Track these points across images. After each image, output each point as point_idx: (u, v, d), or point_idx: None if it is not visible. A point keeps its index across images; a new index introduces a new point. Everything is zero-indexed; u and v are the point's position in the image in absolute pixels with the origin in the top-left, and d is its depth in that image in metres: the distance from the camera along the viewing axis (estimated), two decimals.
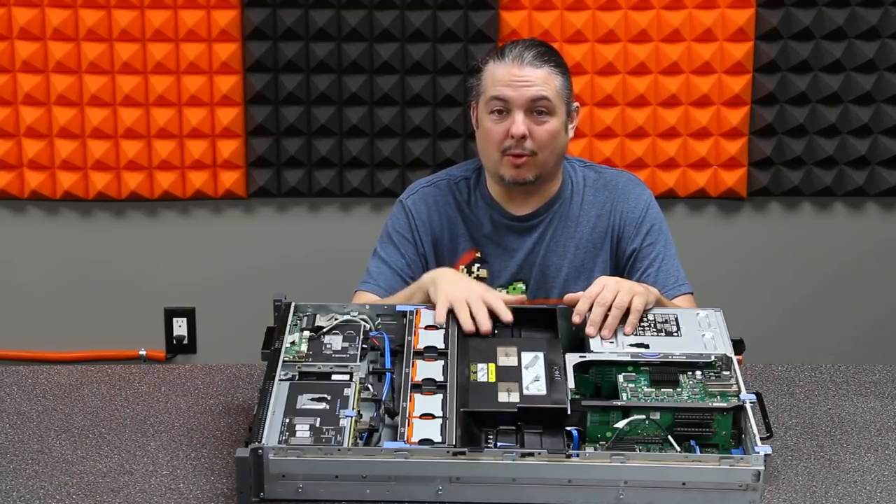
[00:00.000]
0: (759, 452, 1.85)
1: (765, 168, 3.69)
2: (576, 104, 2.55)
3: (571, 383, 2.01)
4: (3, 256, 3.71)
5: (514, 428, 1.94)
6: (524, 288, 2.55)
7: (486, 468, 1.85)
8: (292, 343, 2.13)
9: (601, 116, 3.62)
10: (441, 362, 2.06)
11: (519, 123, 2.44)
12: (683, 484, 1.85)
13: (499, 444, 1.92)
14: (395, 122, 3.61)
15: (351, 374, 2.05)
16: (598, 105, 3.61)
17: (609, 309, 2.15)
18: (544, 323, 2.21)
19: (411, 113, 3.61)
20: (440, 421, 1.92)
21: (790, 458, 2.05)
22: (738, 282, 3.76)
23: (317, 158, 3.64)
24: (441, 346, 2.11)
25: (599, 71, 3.59)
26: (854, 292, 3.81)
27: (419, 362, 2.06)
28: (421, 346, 2.11)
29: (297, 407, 1.96)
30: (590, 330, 2.14)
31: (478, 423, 1.95)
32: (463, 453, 1.85)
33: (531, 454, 1.86)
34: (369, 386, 2.08)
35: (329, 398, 1.97)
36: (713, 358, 2.07)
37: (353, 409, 1.96)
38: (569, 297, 2.21)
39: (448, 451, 1.85)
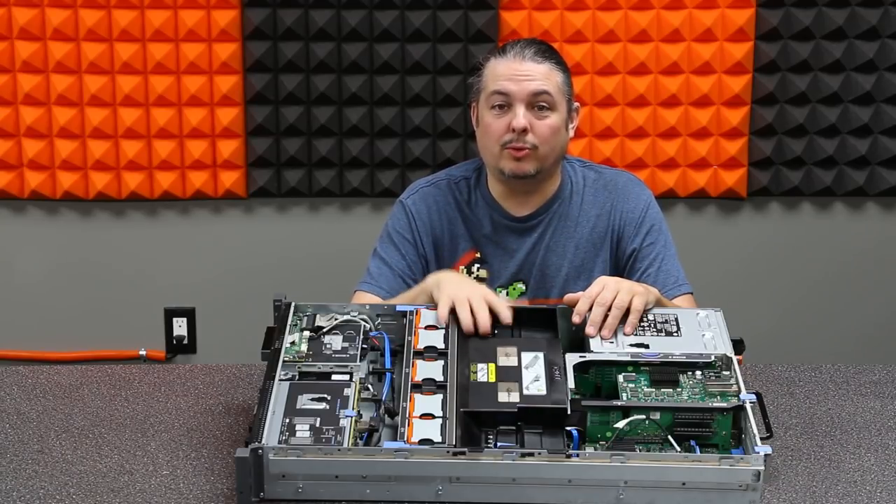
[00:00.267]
0: (759, 452, 1.85)
1: (765, 168, 3.69)
2: (576, 104, 2.55)
3: (571, 383, 2.01)
4: (3, 256, 3.71)
5: (514, 428, 1.94)
6: (524, 288, 2.55)
7: (486, 468, 1.85)
8: (292, 343, 2.13)
9: (601, 116, 3.62)
10: (441, 362, 2.06)
11: (520, 117, 2.44)
12: (683, 484, 1.85)
13: (499, 444, 1.92)
14: (395, 122, 3.61)
15: (351, 374, 2.05)
16: (598, 105, 3.61)
17: (609, 309, 2.15)
18: (544, 323, 2.21)
19: (411, 113, 3.61)
20: (440, 421, 1.92)
21: (790, 458, 2.05)
22: (738, 282, 3.76)
23: (317, 158, 3.64)
24: (441, 346, 2.11)
25: (599, 71, 3.59)
26: (854, 292, 3.81)
27: (419, 362, 2.06)
28: (421, 346, 2.11)
29: (297, 407, 1.96)
30: (590, 330, 2.14)
31: (478, 423, 1.95)
32: (463, 453, 1.85)
33: (531, 454, 1.85)
34: (369, 386, 2.08)
35: (329, 398, 1.97)
36: (713, 358, 2.06)
37: (353, 409, 1.96)
38: (569, 297, 2.21)
39: (448, 451, 1.85)
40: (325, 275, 3.60)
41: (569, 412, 1.94)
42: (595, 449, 1.93)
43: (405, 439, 1.88)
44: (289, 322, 2.18)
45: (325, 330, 2.17)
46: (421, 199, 2.59)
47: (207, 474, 1.99)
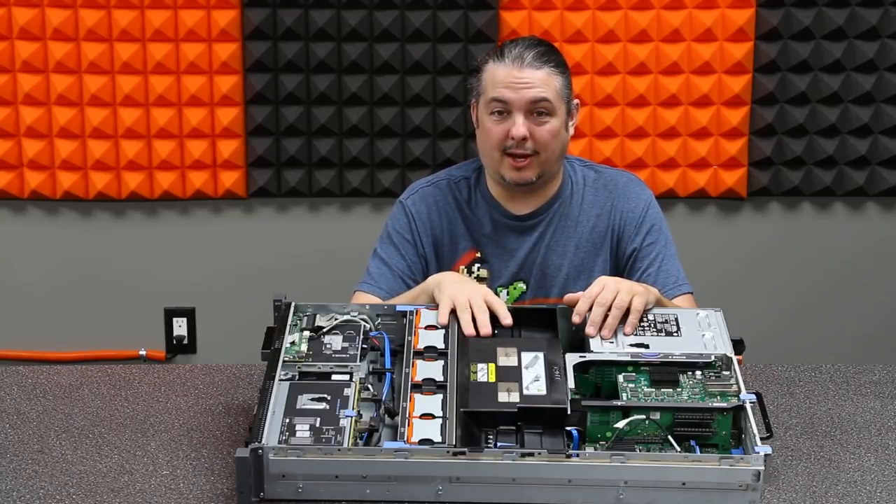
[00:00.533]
0: (759, 452, 1.85)
1: (765, 168, 3.69)
2: (576, 101, 2.55)
3: (571, 383, 2.01)
4: (3, 256, 3.71)
5: (514, 428, 1.94)
6: (524, 288, 2.55)
7: (486, 468, 1.85)
8: (292, 343, 2.13)
9: (601, 116, 3.62)
10: (441, 362, 2.06)
11: (520, 125, 2.44)
12: (683, 484, 1.85)
13: (499, 444, 1.92)
14: (395, 122, 3.61)
15: (351, 374, 2.05)
16: (598, 105, 3.61)
17: (609, 309, 2.15)
18: (544, 323, 2.21)
19: (411, 113, 3.61)
20: (440, 421, 1.92)
21: (790, 458, 2.05)
22: (738, 282, 3.76)
23: (317, 158, 3.64)
24: (441, 346, 2.11)
25: (599, 71, 3.59)
26: (854, 292, 3.81)
27: (419, 362, 2.07)
28: (421, 346, 2.11)
29: (297, 407, 1.96)
30: (590, 330, 2.14)
31: (478, 423, 1.95)
32: (463, 453, 1.85)
33: (531, 454, 1.86)
34: (369, 386, 2.08)
35: (329, 398, 1.97)
36: (713, 358, 2.07)
37: (353, 409, 1.96)
38: (569, 297, 2.21)
39: (448, 451, 1.85)
40: (325, 275, 3.60)
41: (569, 412, 1.94)
42: (595, 449, 1.93)
43: (405, 439, 1.88)
44: (289, 322, 2.18)
45: (325, 330, 2.17)
46: (421, 199, 2.59)
47: (207, 474, 1.99)
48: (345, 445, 1.87)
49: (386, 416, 1.99)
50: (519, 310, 2.25)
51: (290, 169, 3.65)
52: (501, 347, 2.11)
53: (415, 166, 3.63)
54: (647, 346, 2.10)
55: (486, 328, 2.17)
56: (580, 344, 2.16)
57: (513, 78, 2.45)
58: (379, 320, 2.23)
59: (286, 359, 2.08)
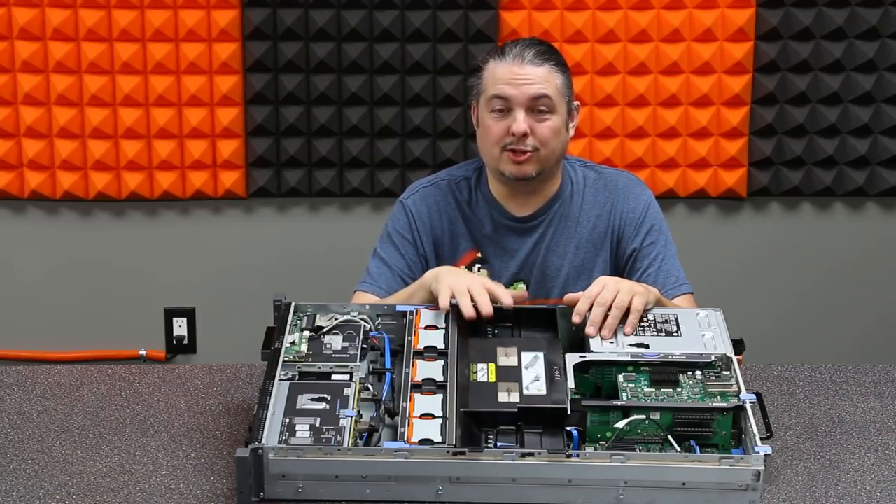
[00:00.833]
0: (759, 452, 1.85)
1: (765, 168, 3.69)
2: (576, 103, 2.55)
3: (571, 383, 2.01)
4: (3, 256, 3.71)
5: (514, 428, 1.94)
6: (525, 288, 2.54)
7: (486, 468, 1.85)
8: (292, 343, 2.13)
9: (601, 116, 3.62)
10: (441, 362, 2.06)
11: (520, 122, 2.44)
12: (683, 484, 1.85)
13: (499, 444, 1.92)
14: (395, 122, 3.61)
15: (351, 374, 2.05)
16: (598, 105, 3.61)
17: (609, 309, 2.15)
18: (544, 323, 2.21)
19: (411, 113, 3.61)
20: (440, 421, 1.92)
21: (790, 458, 2.05)
22: (738, 282, 3.76)
23: (317, 158, 3.64)
24: (441, 346, 2.11)
25: (599, 71, 3.59)
26: (854, 292, 3.81)
27: (419, 362, 2.06)
28: (421, 346, 2.11)
29: (297, 407, 1.96)
30: (590, 330, 2.14)
31: (478, 423, 1.95)
32: (463, 453, 1.85)
33: (531, 454, 1.86)
34: (369, 386, 2.08)
35: (329, 398, 1.97)
36: (713, 358, 2.07)
37: (353, 409, 1.96)
38: (569, 297, 2.21)
39: (448, 451, 1.85)
40: (325, 275, 3.60)
41: (569, 412, 1.94)
42: (595, 449, 1.93)
43: (405, 439, 1.88)
44: (289, 322, 2.18)
45: (325, 330, 2.17)
46: (421, 198, 2.59)
47: (207, 474, 1.99)
48: (345, 445, 1.87)
49: (386, 416, 1.99)
50: (519, 310, 2.25)
51: (290, 169, 3.65)
52: (501, 347, 2.11)
53: (415, 166, 3.64)
54: (647, 346, 2.10)
55: (486, 308, 2.17)
56: (580, 344, 2.16)
57: (514, 74, 2.45)
58: (379, 320, 2.23)
59: (286, 359, 2.08)
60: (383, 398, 2.02)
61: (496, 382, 2.02)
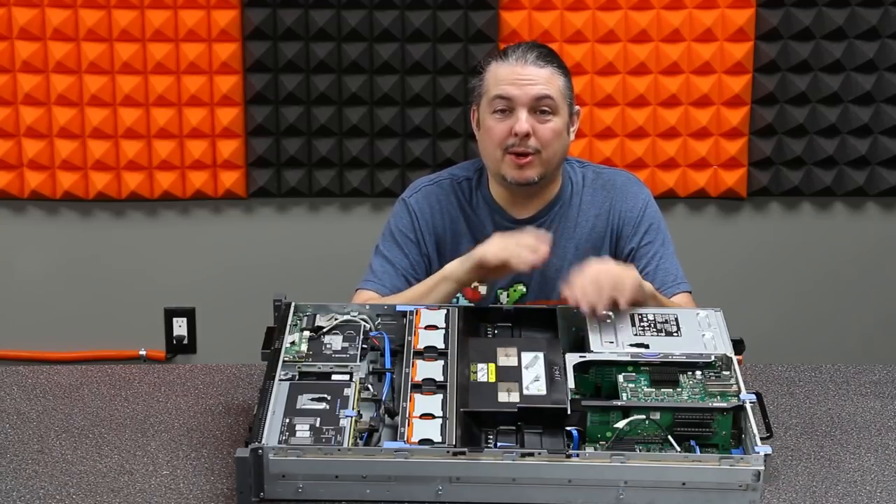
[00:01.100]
0: (759, 452, 1.85)
1: (765, 168, 3.69)
2: (577, 108, 2.55)
3: (571, 383, 2.01)
4: (3, 256, 3.71)
5: (514, 428, 1.94)
6: (525, 290, 2.55)
7: (486, 468, 1.85)
8: (292, 343, 2.13)
9: (601, 116, 3.62)
10: (441, 362, 2.06)
11: (523, 121, 2.44)
12: (683, 484, 1.85)
13: (499, 444, 1.92)
14: (395, 122, 3.61)
15: (351, 374, 2.05)
16: (598, 105, 3.61)
17: (599, 287, 2.18)
18: (544, 323, 2.22)
19: (411, 113, 3.61)
20: (440, 421, 1.92)
21: (790, 458, 2.05)
22: (738, 282, 3.76)
23: (317, 158, 3.64)
24: (441, 346, 2.11)
25: (599, 71, 3.59)
26: (854, 292, 3.81)
27: (419, 362, 2.07)
28: (421, 346, 2.11)
29: (297, 407, 1.96)
30: (584, 307, 2.16)
31: (478, 423, 1.95)
32: (463, 453, 1.85)
33: (531, 454, 1.86)
34: (369, 386, 2.08)
35: (329, 398, 1.97)
36: (713, 358, 2.07)
37: (353, 409, 1.96)
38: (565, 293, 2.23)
39: (448, 451, 1.85)
40: (325, 275, 3.59)
41: (569, 412, 1.94)
42: (595, 449, 1.93)
43: (405, 439, 1.88)
44: (289, 322, 2.18)
45: (325, 330, 2.17)
46: (423, 197, 2.59)
47: (207, 474, 1.99)
48: (345, 445, 1.87)
49: (386, 416, 1.99)
50: (519, 310, 2.25)
51: (290, 169, 3.65)
52: (501, 347, 2.11)
53: (415, 166, 3.63)
54: (647, 346, 2.10)
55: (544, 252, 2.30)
56: (580, 344, 2.16)
57: (517, 75, 2.45)
58: (379, 320, 2.23)
59: (286, 359, 2.08)
60: (383, 398, 2.02)
61: (496, 382, 2.02)
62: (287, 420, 1.92)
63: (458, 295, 2.56)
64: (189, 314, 3.75)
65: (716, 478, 1.85)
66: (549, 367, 2.05)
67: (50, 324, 3.74)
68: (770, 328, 3.76)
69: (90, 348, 3.75)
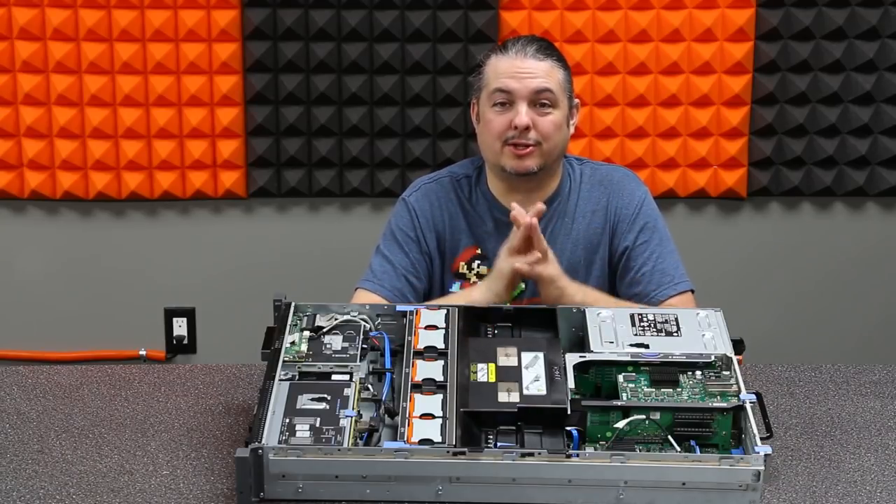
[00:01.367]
0: (759, 452, 1.85)
1: (765, 168, 3.69)
2: (576, 100, 2.56)
3: (571, 383, 2.01)
4: (3, 256, 3.71)
5: (514, 428, 1.94)
6: (524, 286, 2.54)
7: (486, 468, 1.85)
8: (292, 343, 2.13)
9: (601, 116, 3.62)
10: (441, 362, 2.06)
11: (522, 115, 2.44)
12: (683, 484, 1.85)
13: (499, 444, 1.92)
14: (395, 122, 3.61)
15: (351, 374, 2.05)
16: (598, 105, 3.61)
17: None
18: (544, 323, 2.21)
19: (411, 113, 3.61)
20: (440, 421, 1.92)
21: (790, 458, 2.05)
22: (738, 282, 3.76)
23: (317, 158, 3.64)
24: (441, 346, 2.11)
25: (599, 71, 3.59)
26: (854, 292, 3.81)
27: (419, 362, 2.06)
28: (421, 346, 2.11)
29: (297, 407, 1.96)
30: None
31: (478, 423, 1.95)
32: (463, 453, 1.85)
33: (531, 454, 1.85)
34: (369, 386, 2.08)
35: (329, 398, 1.97)
36: (713, 358, 2.06)
37: (353, 409, 1.96)
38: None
39: (448, 451, 1.85)
40: (325, 275, 3.60)
41: (569, 412, 1.94)
42: (595, 449, 1.93)
43: (405, 439, 1.88)
44: (289, 322, 2.18)
45: (325, 330, 2.17)
46: (423, 195, 2.59)
47: (207, 474, 1.99)
48: (345, 445, 1.87)
49: (386, 416, 1.99)
50: (519, 310, 2.25)
51: (290, 169, 3.65)
52: (501, 347, 2.11)
53: (415, 166, 3.63)
54: (647, 346, 2.10)
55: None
56: (580, 344, 2.16)
57: (516, 68, 2.46)
58: (379, 320, 2.23)
59: (286, 359, 2.08)
60: (383, 398, 2.02)
61: (496, 382, 2.02)
62: (287, 420, 1.92)
63: (459, 292, 2.56)
64: (189, 314, 3.75)
65: (716, 478, 1.85)
66: (549, 367, 2.05)
67: (50, 324, 3.74)
68: (770, 328, 3.76)
69: (90, 348, 3.75)
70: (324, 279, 3.54)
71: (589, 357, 2.07)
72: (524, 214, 2.34)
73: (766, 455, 1.85)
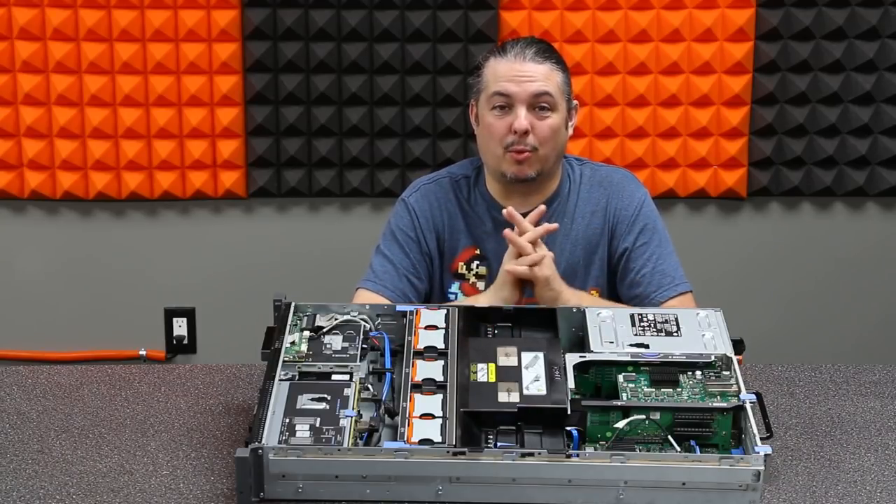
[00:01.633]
0: (759, 452, 1.85)
1: (765, 168, 3.69)
2: (575, 102, 2.56)
3: (571, 383, 2.01)
4: (3, 256, 3.71)
5: (514, 428, 1.94)
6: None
7: (486, 468, 1.85)
8: (292, 343, 2.13)
9: (601, 116, 3.62)
10: (441, 362, 2.06)
11: (521, 119, 2.44)
12: (683, 484, 1.85)
13: (499, 444, 1.92)
14: (395, 122, 3.61)
15: (351, 374, 2.05)
16: (598, 105, 3.61)
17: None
18: (544, 323, 2.21)
19: (411, 113, 3.61)
20: (440, 421, 1.92)
21: (790, 458, 2.05)
22: (738, 282, 3.76)
23: (317, 158, 3.64)
24: (441, 346, 2.11)
25: (599, 71, 3.59)
26: (854, 292, 3.81)
27: (419, 362, 2.06)
28: (421, 346, 2.11)
29: (297, 407, 1.96)
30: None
31: (478, 423, 1.95)
32: (463, 453, 1.85)
33: (531, 454, 1.85)
34: (369, 386, 2.08)
35: (329, 398, 1.97)
36: (713, 358, 2.06)
37: (353, 409, 1.96)
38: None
39: (448, 451, 1.85)
40: (325, 275, 3.60)
41: (569, 412, 1.94)
42: (595, 449, 1.93)
43: (405, 439, 1.88)
44: (289, 322, 2.18)
45: (325, 330, 2.17)
46: (423, 196, 2.59)
47: (207, 474, 1.99)
48: (345, 445, 1.87)
49: (386, 416, 1.99)
50: (519, 310, 2.25)
51: (290, 169, 3.65)
52: (501, 347, 2.11)
53: (415, 166, 3.63)
54: (647, 346, 2.10)
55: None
56: (580, 344, 2.16)
57: (515, 72, 2.46)
58: (379, 320, 2.23)
59: (286, 359, 2.08)
60: (383, 398, 2.02)
61: (496, 382, 2.02)
62: (287, 420, 1.92)
63: (457, 292, 2.56)
64: (189, 314, 3.75)
65: (716, 478, 1.85)
66: (549, 367, 2.05)
67: (50, 324, 3.74)
68: (770, 328, 3.76)
69: (90, 348, 3.75)
70: (324, 279, 3.54)
71: (589, 357, 2.07)
72: (518, 216, 2.41)
73: (766, 455, 1.85)
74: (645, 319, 2.18)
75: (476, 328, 2.22)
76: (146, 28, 3.51)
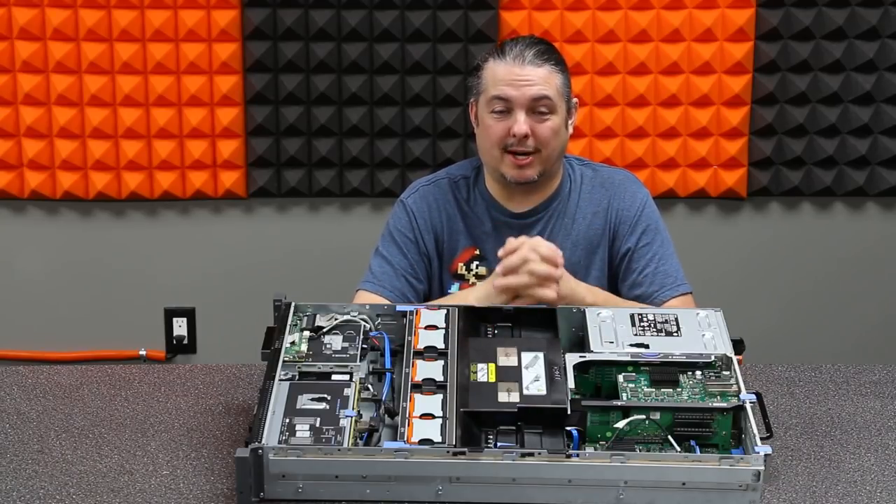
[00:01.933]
0: (759, 452, 1.85)
1: (765, 168, 3.69)
2: (574, 100, 2.56)
3: (571, 383, 2.01)
4: (3, 256, 3.71)
5: (514, 428, 1.94)
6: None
7: (486, 468, 1.85)
8: (292, 343, 2.13)
9: (601, 116, 3.62)
10: (441, 362, 2.06)
11: (521, 123, 2.44)
12: (683, 484, 1.85)
13: (499, 444, 1.92)
14: (395, 122, 3.61)
15: (351, 374, 2.05)
16: (598, 105, 3.61)
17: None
18: (544, 323, 2.21)
19: (411, 113, 3.61)
20: (440, 421, 1.92)
21: (790, 458, 2.05)
22: (738, 282, 3.76)
23: (317, 158, 3.64)
24: (441, 346, 2.11)
25: (599, 71, 3.59)
26: (854, 292, 3.81)
27: (419, 362, 2.06)
28: (421, 346, 2.11)
29: (297, 407, 1.96)
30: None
31: (478, 423, 1.95)
32: (463, 453, 1.85)
33: (531, 454, 1.85)
34: (369, 386, 2.08)
35: (329, 398, 1.97)
36: (713, 358, 2.06)
37: (353, 409, 1.96)
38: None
39: (448, 451, 1.85)
40: (325, 275, 3.60)
41: (569, 412, 1.94)
42: (595, 449, 1.93)
43: (405, 439, 1.88)
44: (289, 322, 2.18)
45: (325, 330, 2.17)
46: (421, 197, 2.59)
47: (207, 474, 1.99)
48: (345, 445, 1.87)
49: (386, 416, 1.99)
50: (519, 310, 2.25)
51: (290, 169, 3.65)
52: (501, 347, 2.11)
53: (415, 166, 3.64)
54: (647, 346, 2.10)
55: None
56: (580, 344, 2.16)
57: (514, 76, 2.45)
58: (379, 320, 2.23)
59: (286, 359, 2.08)
60: (383, 398, 2.02)
61: (496, 382, 2.02)
62: (287, 420, 1.92)
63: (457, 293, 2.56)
64: (189, 314, 3.75)
65: (716, 478, 1.85)
66: (549, 367, 2.05)
67: (50, 324, 3.74)
68: (770, 328, 3.76)
69: (90, 348, 3.75)
70: (324, 279, 3.54)
71: (589, 357, 2.07)
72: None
73: (766, 455, 1.85)
74: (645, 319, 2.18)
75: (476, 328, 2.22)
76: (146, 28, 3.51)
